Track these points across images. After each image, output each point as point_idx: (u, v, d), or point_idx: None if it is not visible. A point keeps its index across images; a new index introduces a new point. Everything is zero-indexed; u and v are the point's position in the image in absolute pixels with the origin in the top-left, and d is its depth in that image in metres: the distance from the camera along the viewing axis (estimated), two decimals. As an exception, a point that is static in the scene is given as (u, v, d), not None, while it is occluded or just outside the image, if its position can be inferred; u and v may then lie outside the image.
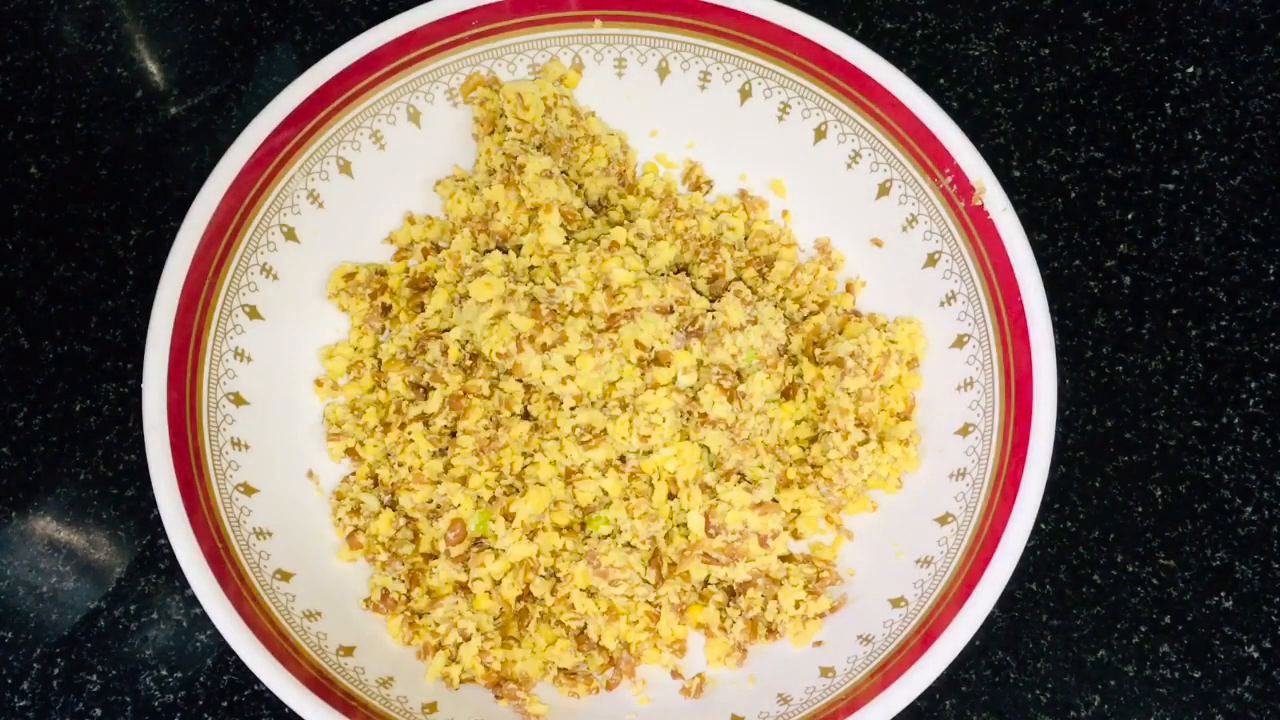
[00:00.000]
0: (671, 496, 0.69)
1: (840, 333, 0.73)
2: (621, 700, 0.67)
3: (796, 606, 0.67)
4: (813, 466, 0.71)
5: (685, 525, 0.69)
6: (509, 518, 0.68)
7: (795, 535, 0.71)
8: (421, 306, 0.75)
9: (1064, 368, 0.76)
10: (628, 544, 0.69)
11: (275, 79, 0.85)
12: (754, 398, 0.70)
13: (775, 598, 0.68)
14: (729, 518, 0.68)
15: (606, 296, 0.70)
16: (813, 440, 0.72)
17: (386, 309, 0.75)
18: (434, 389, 0.71)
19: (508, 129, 0.75)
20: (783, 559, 0.70)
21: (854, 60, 0.71)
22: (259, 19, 0.87)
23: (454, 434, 0.70)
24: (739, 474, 0.69)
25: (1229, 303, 0.79)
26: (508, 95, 0.74)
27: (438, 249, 0.76)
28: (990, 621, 0.62)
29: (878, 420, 0.71)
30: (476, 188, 0.76)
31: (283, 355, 0.72)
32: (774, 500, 0.69)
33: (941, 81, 0.85)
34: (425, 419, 0.71)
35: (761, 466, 0.70)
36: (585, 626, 0.68)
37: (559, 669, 0.68)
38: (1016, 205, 0.68)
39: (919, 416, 0.72)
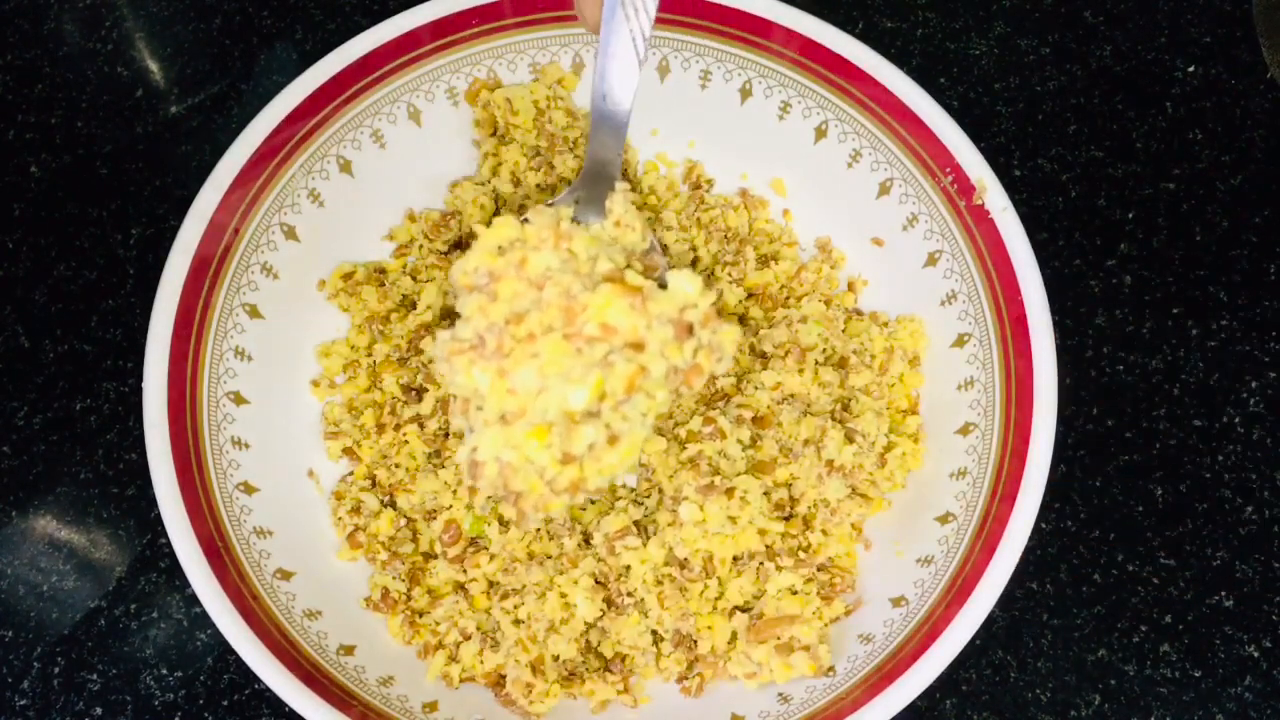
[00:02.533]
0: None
1: (843, 331, 0.73)
2: (621, 699, 0.67)
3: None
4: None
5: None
6: (504, 522, 0.68)
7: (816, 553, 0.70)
8: (414, 305, 0.74)
9: (1064, 367, 0.76)
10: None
11: (276, 78, 0.85)
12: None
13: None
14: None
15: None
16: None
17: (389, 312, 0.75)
18: (426, 390, 0.71)
19: (514, 140, 0.75)
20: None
21: (854, 59, 0.71)
22: (259, 18, 0.87)
23: (447, 435, 0.70)
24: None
25: (1229, 302, 0.79)
26: (497, 100, 0.74)
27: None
28: (990, 621, 0.62)
29: (885, 417, 0.71)
30: (496, 191, 0.75)
31: (283, 354, 0.72)
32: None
33: (942, 80, 0.85)
34: (419, 420, 0.71)
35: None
36: (586, 631, 0.68)
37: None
38: (1017, 204, 0.68)
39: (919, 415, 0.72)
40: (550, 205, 0.60)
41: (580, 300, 0.50)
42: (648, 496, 0.69)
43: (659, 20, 0.73)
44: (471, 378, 0.52)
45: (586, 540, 0.69)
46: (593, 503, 0.72)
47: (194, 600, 0.72)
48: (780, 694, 0.64)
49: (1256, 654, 0.71)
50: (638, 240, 0.56)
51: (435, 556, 0.70)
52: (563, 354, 0.50)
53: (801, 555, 0.68)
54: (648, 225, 0.60)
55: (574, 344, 0.50)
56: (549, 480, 0.54)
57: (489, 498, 0.63)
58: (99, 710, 0.71)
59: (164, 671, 0.71)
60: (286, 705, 0.60)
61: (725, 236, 0.76)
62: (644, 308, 0.51)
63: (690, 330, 0.52)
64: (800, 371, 0.70)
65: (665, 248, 0.67)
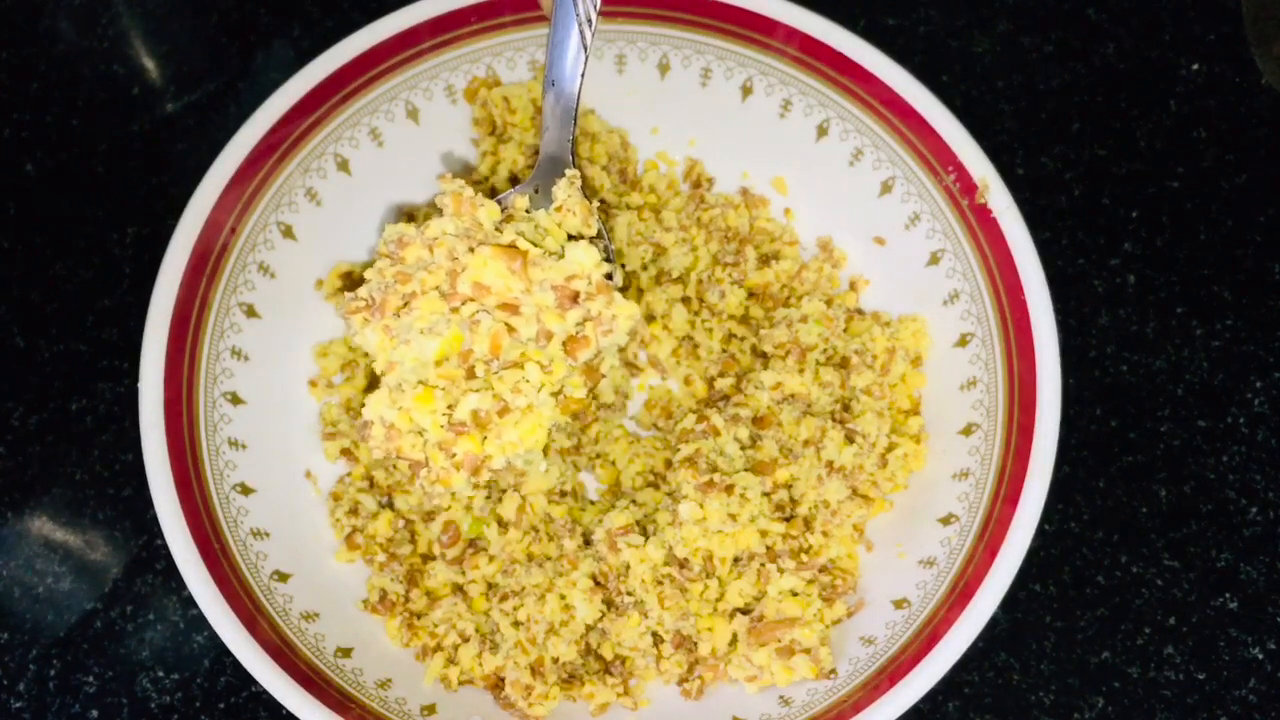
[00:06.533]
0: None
1: (845, 331, 0.73)
2: (621, 701, 0.67)
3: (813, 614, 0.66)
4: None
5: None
6: (502, 523, 0.68)
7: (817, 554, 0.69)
8: None
9: (1068, 367, 0.75)
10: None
11: (273, 75, 0.84)
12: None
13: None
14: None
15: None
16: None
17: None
18: None
19: (512, 139, 0.74)
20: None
21: (856, 57, 0.70)
22: (256, 15, 0.87)
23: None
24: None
25: (1234, 301, 0.78)
26: (495, 99, 0.74)
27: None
28: (993, 623, 0.62)
29: (887, 418, 0.70)
30: (494, 189, 0.75)
31: (280, 354, 0.72)
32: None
33: (944, 78, 0.84)
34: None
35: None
36: (586, 633, 0.68)
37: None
38: (1020, 203, 0.67)
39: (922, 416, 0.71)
40: (507, 195, 0.61)
41: (462, 261, 0.51)
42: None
43: (659, 18, 0.73)
44: (365, 336, 0.53)
45: (586, 542, 0.69)
46: (592, 503, 0.72)
47: (190, 602, 0.72)
48: (781, 697, 0.64)
49: (1261, 656, 0.71)
50: (579, 225, 0.56)
51: (434, 558, 0.69)
52: (434, 310, 0.51)
53: (803, 557, 0.67)
54: (594, 212, 0.61)
55: (451, 303, 0.51)
56: (449, 453, 0.53)
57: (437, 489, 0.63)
58: (95, 713, 0.70)
59: (160, 674, 0.71)
60: (284, 708, 0.59)
61: (726, 235, 0.76)
62: (524, 272, 0.51)
63: (575, 298, 0.52)
64: (801, 371, 0.70)
65: (611, 248, 0.67)
